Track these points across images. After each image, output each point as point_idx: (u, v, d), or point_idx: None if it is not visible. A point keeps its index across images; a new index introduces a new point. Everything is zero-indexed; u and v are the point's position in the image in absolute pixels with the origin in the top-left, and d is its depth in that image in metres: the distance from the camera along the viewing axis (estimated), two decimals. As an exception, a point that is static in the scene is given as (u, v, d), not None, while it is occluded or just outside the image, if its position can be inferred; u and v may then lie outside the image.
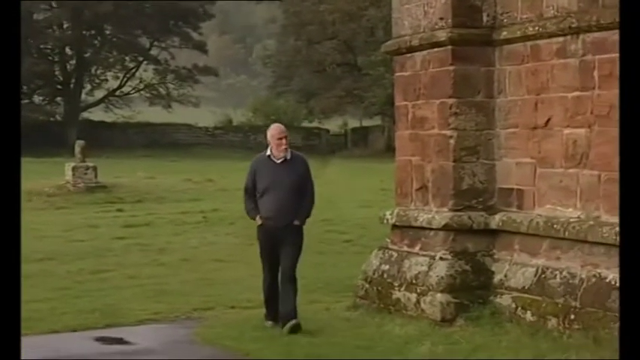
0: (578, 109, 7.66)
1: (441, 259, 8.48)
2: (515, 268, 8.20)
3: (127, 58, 52.10)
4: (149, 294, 10.54)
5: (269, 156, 8.48)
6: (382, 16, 38.59)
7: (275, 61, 55.98)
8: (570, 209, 7.74)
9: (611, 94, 7.30)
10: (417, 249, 8.85)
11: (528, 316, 7.81)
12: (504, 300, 8.13)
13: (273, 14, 62.48)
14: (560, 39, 7.79)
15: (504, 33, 8.36)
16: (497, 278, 8.32)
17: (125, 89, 52.94)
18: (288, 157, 8.46)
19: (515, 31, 8.25)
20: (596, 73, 7.47)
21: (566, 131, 7.79)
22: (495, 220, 8.41)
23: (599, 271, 7.37)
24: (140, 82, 53.12)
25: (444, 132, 8.58)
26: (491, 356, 7.05)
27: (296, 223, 8.39)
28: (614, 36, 7.24)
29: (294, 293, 8.36)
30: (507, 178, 8.43)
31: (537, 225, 7.95)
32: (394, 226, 9.22)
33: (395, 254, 9.09)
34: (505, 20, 8.42)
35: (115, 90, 51.96)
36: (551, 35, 7.87)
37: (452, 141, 8.50)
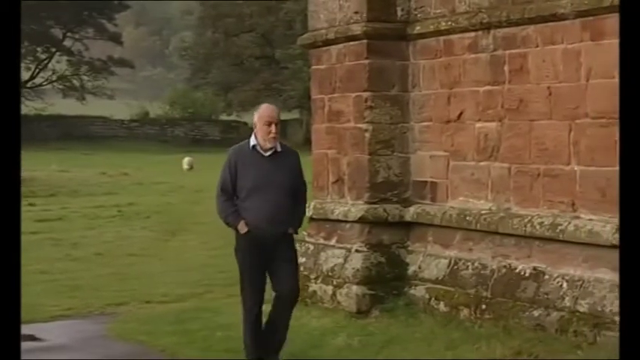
0: (490, 103, 7.82)
1: (356, 251, 8.55)
2: (428, 260, 8.33)
3: (39, 49, 51.01)
4: (62, 289, 10.34)
5: (254, 147, 6.64)
6: (300, 10, 38.60)
7: (192, 53, 55.54)
8: (482, 201, 7.90)
9: (521, 88, 7.48)
10: (333, 241, 8.90)
11: (441, 306, 7.94)
12: (418, 291, 8.25)
13: (189, 6, 61.85)
14: (472, 34, 7.93)
15: (418, 27, 8.47)
16: (411, 270, 8.43)
17: (37, 81, 51.81)
18: (279, 149, 6.67)
19: (428, 25, 8.36)
20: (506, 68, 7.62)
21: (478, 125, 7.93)
22: (410, 213, 8.51)
23: (509, 261, 7.54)
24: (53, 73, 52.08)
25: (359, 125, 8.64)
26: (405, 347, 7.14)
27: (290, 232, 6.72)
28: (524, 31, 7.41)
29: (286, 327, 6.80)
30: (421, 171, 8.55)
31: (450, 217, 8.09)
32: (311, 219, 9.25)
33: (312, 247, 9.13)
34: (419, 15, 8.53)
35: (26, 81, 50.75)
36: (463, 30, 8.00)
37: (367, 134, 8.57)
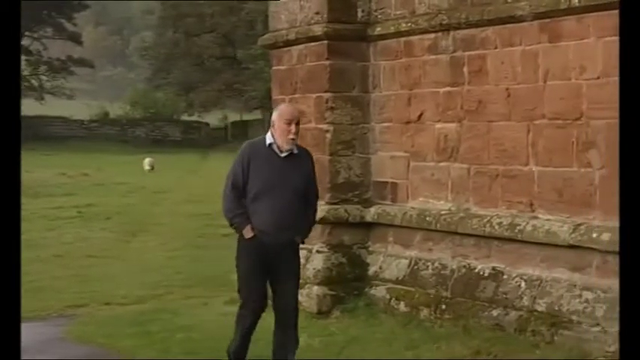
0: (449, 104, 7.87)
1: (317, 252, 8.56)
2: (389, 260, 8.36)
3: (-4, 48, 50.22)
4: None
5: (270, 145, 6.11)
6: (262, 10, 38.48)
7: (153, 53, 55.20)
8: (442, 202, 7.95)
9: (480, 89, 7.54)
10: (294, 242, 8.89)
11: (402, 306, 7.98)
12: (379, 291, 8.28)
13: (150, 6, 61.45)
14: (432, 35, 7.98)
15: (378, 29, 8.50)
16: (372, 270, 8.46)
17: (-5, 80, 50.97)
18: (295, 152, 6.15)
19: (388, 27, 8.39)
20: (465, 69, 7.68)
21: (438, 126, 7.98)
22: (371, 213, 8.54)
23: (468, 261, 7.60)
24: (11, 73, 51.29)
25: (320, 126, 8.65)
26: (366, 347, 7.16)
27: (297, 240, 6.23)
28: (482, 33, 7.47)
29: (296, 341, 6.30)
30: (382, 171, 8.58)
31: (410, 217, 8.13)
32: (271, 220, 9.22)
33: (272, 248, 9.10)
34: (379, 16, 8.56)
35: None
36: (423, 32, 8.04)
37: (328, 135, 8.58)
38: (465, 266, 7.61)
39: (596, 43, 6.57)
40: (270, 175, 6.03)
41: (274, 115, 6.13)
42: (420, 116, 8.17)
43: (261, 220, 6.00)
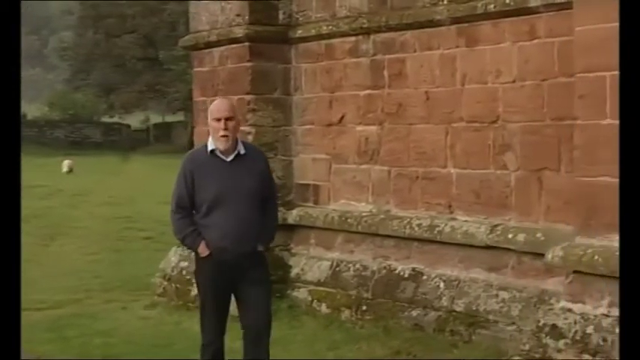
0: (370, 107, 7.94)
1: (239, 254, 8.52)
2: (311, 262, 8.39)
3: None
4: None
5: (212, 151, 5.46)
6: (183, 11, 38.06)
7: (72, 54, 54.16)
8: (363, 203, 8.01)
9: (400, 92, 7.63)
10: (215, 245, 8.84)
11: (323, 308, 8.01)
12: (301, 293, 8.29)
13: (69, 6, 60.32)
14: (353, 38, 8.04)
15: (300, 31, 8.52)
16: (294, 272, 8.48)
17: None
18: (242, 152, 5.49)
19: (310, 29, 8.43)
20: (385, 73, 7.76)
21: (359, 128, 8.05)
22: (293, 215, 8.56)
23: (389, 262, 7.68)
24: None
25: (242, 128, 8.59)
26: (288, 349, 7.15)
27: (260, 249, 5.54)
28: (402, 37, 7.57)
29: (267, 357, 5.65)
30: (304, 173, 8.61)
31: (332, 219, 8.17)
32: (193, 223, 9.16)
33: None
34: (301, 19, 8.59)
35: None
36: (343, 35, 8.10)
37: (250, 137, 8.56)
38: (385, 267, 7.68)
39: (512, 47, 6.72)
40: (219, 185, 5.38)
41: (208, 115, 5.54)
42: (341, 119, 8.22)
43: (217, 236, 5.38)
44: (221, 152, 5.42)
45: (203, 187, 5.40)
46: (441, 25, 7.23)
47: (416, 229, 7.37)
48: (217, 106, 5.49)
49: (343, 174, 8.22)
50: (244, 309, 5.52)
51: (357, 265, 7.94)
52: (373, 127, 7.90)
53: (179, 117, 52.92)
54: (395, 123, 7.70)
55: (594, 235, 5.49)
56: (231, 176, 5.40)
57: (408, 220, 7.46)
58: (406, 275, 7.47)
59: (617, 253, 5.24)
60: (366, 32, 7.89)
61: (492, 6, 6.76)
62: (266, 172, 5.64)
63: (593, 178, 5.47)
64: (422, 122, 7.46)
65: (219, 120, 5.39)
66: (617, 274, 5.22)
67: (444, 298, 7.09)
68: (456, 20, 7.10)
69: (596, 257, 5.38)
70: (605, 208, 5.40)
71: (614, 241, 5.33)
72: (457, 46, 7.14)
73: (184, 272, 8.94)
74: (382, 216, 7.75)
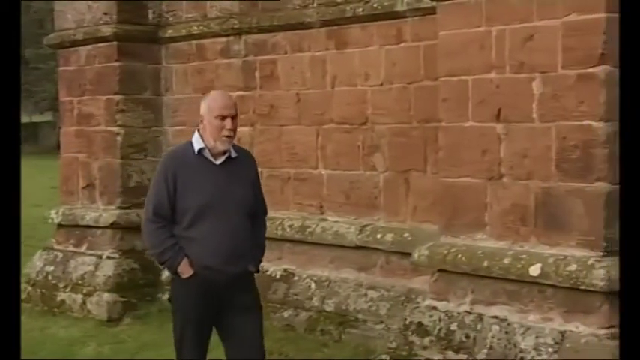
0: (242, 108, 7.88)
1: (108, 257, 8.36)
2: (182, 264, 8.29)
3: None
4: None
5: (200, 151, 4.54)
6: (51, 9, 37.16)
7: None
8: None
9: (272, 94, 7.65)
10: (83, 248, 8.64)
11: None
12: (172, 296, 8.18)
13: None
14: (224, 39, 8.00)
15: (170, 31, 8.42)
16: (164, 275, 8.34)
17: None
18: (234, 155, 4.58)
19: (180, 29, 8.34)
20: (257, 74, 7.76)
21: (231, 129, 8.00)
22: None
23: (261, 264, 7.65)
24: None
25: (110, 129, 8.46)
26: (159, 352, 7.04)
27: (252, 269, 4.63)
28: (273, 38, 7.59)
29: None
30: (174, 175, 8.49)
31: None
32: (60, 226, 8.92)
33: (60, 254, 8.80)
34: (171, 19, 8.49)
35: None
36: (215, 35, 8.05)
37: (119, 138, 8.41)
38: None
39: (379, 50, 6.84)
40: (207, 191, 4.46)
41: (202, 109, 4.53)
42: (212, 120, 8.16)
43: (202, 252, 4.43)
44: (210, 154, 4.51)
45: (187, 192, 4.46)
46: (311, 28, 7.28)
47: (288, 229, 7.40)
48: (220, 102, 4.53)
49: (215, 175, 8.15)
50: (232, 342, 4.59)
51: (229, 267, 7.89)
52: (245, 129, 7.87)
53: (47, 117, 51.40)
54: (267, 124, 7.71)
55: (458, 234, 5.64)
56: (221, 182, 4.50)
57: (280, 221, 7.48)
58: (278, 276, 7.49)
59: (480, 252, 5.43)
60: (238, 33, 7.87)
61: (361, 10, 6.87)
62: (257, 181, 4.76)
63: (457, 179, 5.63)
64: (293, 124, 7.50)
65: (223, 118, 4.47)
66: (480, 273, 5.41)
67: (315, 298, 7.14)
68: (325, 23, 7.17)
69: (459, 256, 5.53)
70: (467, 208, 5.56)
71: (476, 240, 5.51)
72: (327, 49, 7.21)
73: (50, 277, 8.70)
74: (254, 217, 7.73)
